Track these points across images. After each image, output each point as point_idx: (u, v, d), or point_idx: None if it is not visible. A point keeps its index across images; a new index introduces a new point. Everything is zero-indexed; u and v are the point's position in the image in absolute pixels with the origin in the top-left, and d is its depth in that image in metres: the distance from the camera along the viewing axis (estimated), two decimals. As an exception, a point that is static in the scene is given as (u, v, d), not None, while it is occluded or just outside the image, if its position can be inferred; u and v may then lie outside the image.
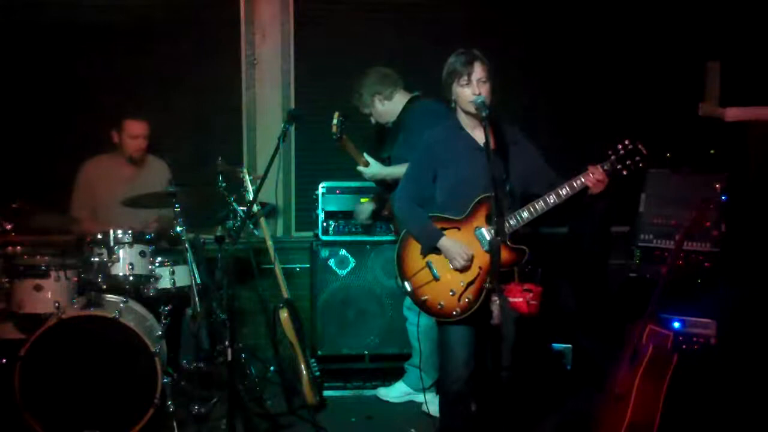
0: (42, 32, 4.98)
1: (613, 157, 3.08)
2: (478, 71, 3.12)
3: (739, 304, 4.16)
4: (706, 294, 4.19)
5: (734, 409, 3.85)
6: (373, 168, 4.08)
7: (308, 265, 4.92)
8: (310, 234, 5.03)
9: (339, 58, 5.21)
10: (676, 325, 4.15)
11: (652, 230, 4.40)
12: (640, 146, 3.06)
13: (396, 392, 4.50)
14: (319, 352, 4.70)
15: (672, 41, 5.37)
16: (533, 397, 3.75)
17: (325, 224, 4.79)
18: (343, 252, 4.75)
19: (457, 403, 3.30)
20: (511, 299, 2.98)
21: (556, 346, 4.70)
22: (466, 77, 3.12)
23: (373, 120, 4.30)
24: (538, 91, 5.31)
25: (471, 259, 3.15)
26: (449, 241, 3.16)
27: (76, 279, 3.99)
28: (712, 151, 4.88)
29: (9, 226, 3.97)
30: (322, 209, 4.78)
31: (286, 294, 4.30)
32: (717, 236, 4.24)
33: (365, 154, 4.08)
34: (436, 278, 3.21)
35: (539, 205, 3.12)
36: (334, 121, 3.91)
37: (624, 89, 5.37)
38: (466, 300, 3.15)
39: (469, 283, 3.15)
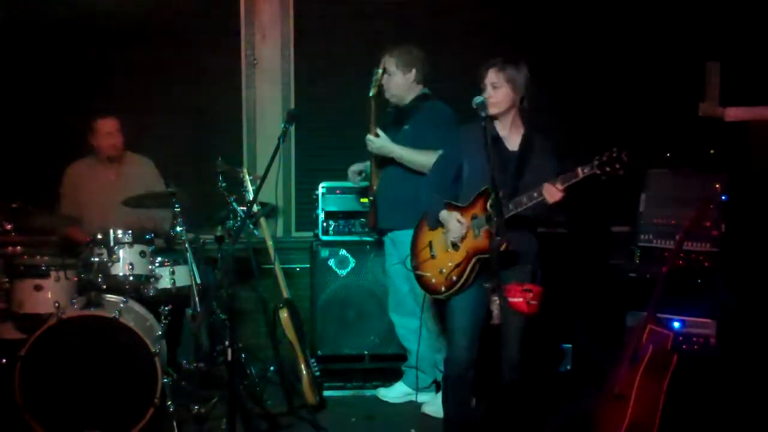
0: (42, 32, 4.98)
1: (596, 163, 3.02)
2: (490, 76, 3.29)
3: (739, 304, 4.16)
4: (706, 294, 4.18)
5: (734, 409, 3.86)
6: (381, 140, 4.06)
7: (308, 265, 4.91)
8: (310, 234, 5.04)
9: (339, 58, 5.22)
10: (676, 325, 4.15)
11: (652, 230, 4.39)
12: (623, 155, 2.98)
13: (396, 392, 4.50)
14: (319, 352, 4.70)
15: (672, 41, 5.36)
16: (534, 397, 3.74)
17: (325, 224, 4.79)
18: (343, 252, 4.75)
19: (457, 389, 3.39)
20: (511, 299, 2.97)
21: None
22: (481, 82, 3.31)
23: (373, 82, 4.18)
24: (538, 91, 5.29)
25: (464, 225, 3.24)
26: (446, 212, 3.33)
27: (76, 279, 3.98)
28: (712, 151, 4.88)
29: (9, 226, 3.97)
30: (322, 209, 4.79)
31: (286, 294, 4.30)
32: (717, 236, 4.24)
33: (378, 128, 4.08)
34: (433, 257, 3.41)
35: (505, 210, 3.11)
36: (375, 77, 3.97)
37: (624, 89, 5.36)
38: (452, 279, 3.27)
39: (456, 265, 3.26)
